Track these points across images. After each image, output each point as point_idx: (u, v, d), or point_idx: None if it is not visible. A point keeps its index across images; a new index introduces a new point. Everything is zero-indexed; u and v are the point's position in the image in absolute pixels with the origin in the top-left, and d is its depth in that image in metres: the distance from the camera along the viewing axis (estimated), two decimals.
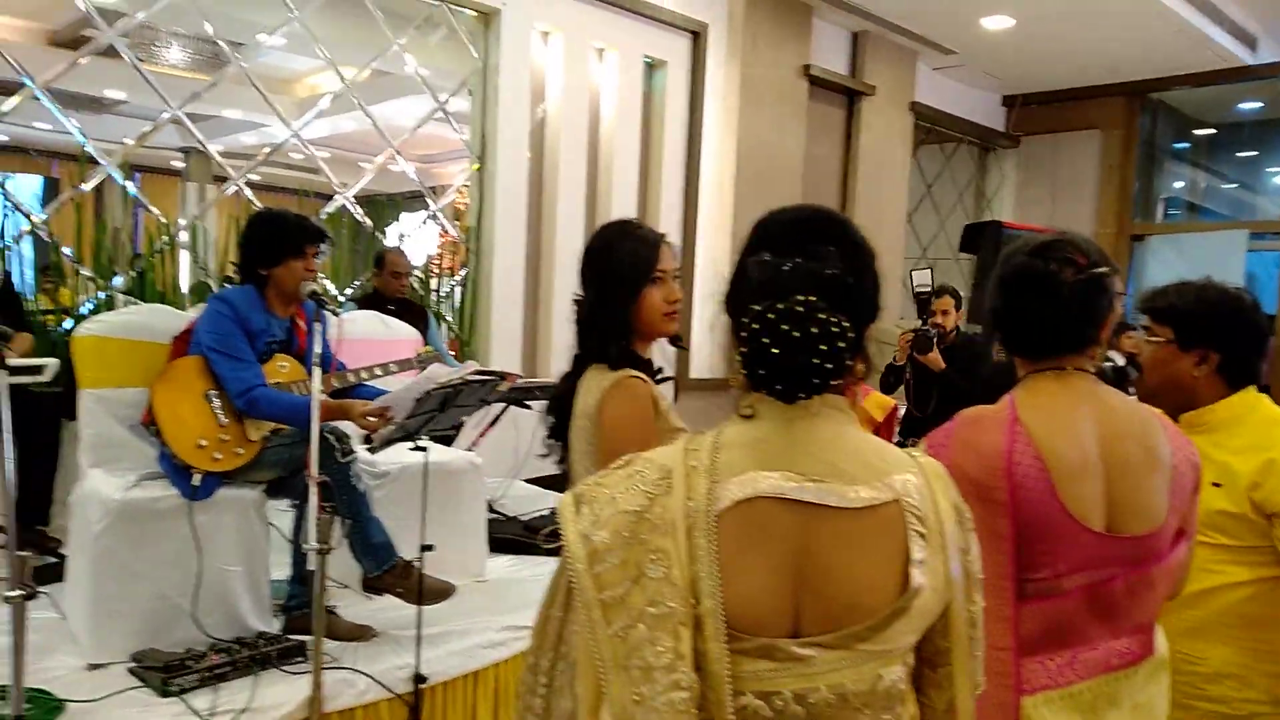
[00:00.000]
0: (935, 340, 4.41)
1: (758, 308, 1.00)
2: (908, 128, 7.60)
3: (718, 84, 6.12)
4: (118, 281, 4.19)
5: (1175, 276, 2.00)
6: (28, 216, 4.05)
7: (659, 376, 1.85)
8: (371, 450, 2.87)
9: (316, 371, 2.43)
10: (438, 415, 2.77)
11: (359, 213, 5.19)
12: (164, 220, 4.34)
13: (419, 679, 2.61)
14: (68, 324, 4.02)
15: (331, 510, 2.29)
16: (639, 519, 0.99)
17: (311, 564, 2.23)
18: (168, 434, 2.75)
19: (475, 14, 5.15)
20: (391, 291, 4.62)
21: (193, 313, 3.03)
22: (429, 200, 5.46)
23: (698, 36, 5.97)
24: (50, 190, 10.82)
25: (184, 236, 4.50)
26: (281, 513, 3.06)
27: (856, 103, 7.09)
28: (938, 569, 1.02)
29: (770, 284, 1.03)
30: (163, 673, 2.42)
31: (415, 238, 5.63)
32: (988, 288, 1.55)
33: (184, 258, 4.55)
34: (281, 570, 3.00)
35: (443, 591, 2.81)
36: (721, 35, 6.09)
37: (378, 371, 3.10)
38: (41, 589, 2.28)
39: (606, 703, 0.97)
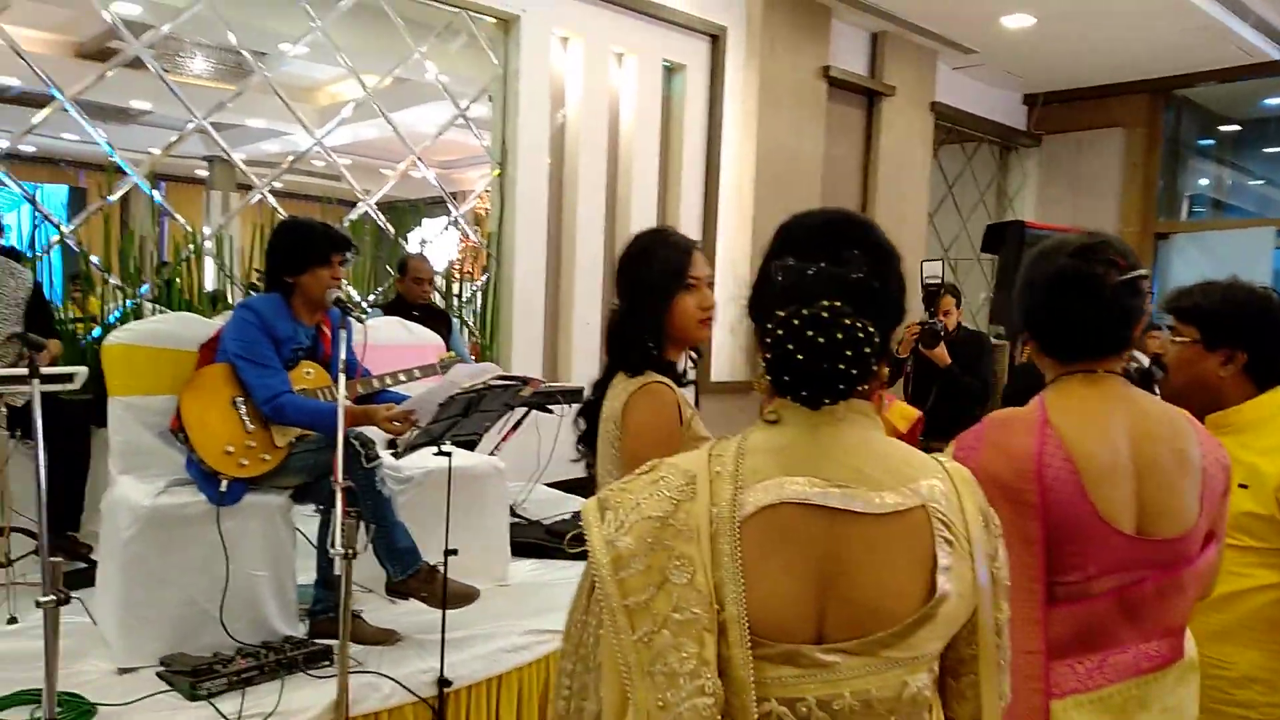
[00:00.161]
0: (942, 335, 4.36)
1: (782, 313, 0.99)
2: (928, 128, 7.56)
3: (737, 87, 6.11)
4: (145, 290, 4.24)
5: (1200, 275, 1.98)
6: (57, 227, 4.11)
7: (683, 380, 1.85)
8: (396, 455, 2.89)
9: (342, 378, 2.45)
10: (461, 420, 2.79)
11: (381, 219, 5.23)
12: (190, 229, 4.38)
13: (443, 683, 2.63)
14: (96, 332, 4.07)
15: (356, 515, 2.31)
16: (663, 525, 0.99)
17: (337, 569, 2.25)
18: (195, 441, 2.78)
19: (495, 21, 5.17)
20: (414, 297, 4.65)
21: (219, 320, 3.06)
22: (450, 206, 5.49)
23: (716, 40, 5.97)
24: (76, 200, 10.96)
25: (209, 245, 4.54)
26: (307, 518, 3.09)
27: (876, 103, 7.06)
28: (964, 575, 1.01)
29: (795, 288, 1.02)
30: (191, 677, 2.45)
31: (436, 243, 5.66)
32: (1018, 288, 1.53)
33: (209, 265, 4.59)
34: (307, 575, 3.03)
35: (466, 596, 2.83)
36: (740, 38, 6.08)
37: (401, 377, 3.11)
38: (73, 594, 2.31)
39: (631, 708, 0.96)
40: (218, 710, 2.37)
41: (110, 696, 2.41)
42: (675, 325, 1.82)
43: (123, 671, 2.59)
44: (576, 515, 3.50)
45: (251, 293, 4.39)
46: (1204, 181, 9.44)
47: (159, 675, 2.55)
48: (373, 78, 5.11)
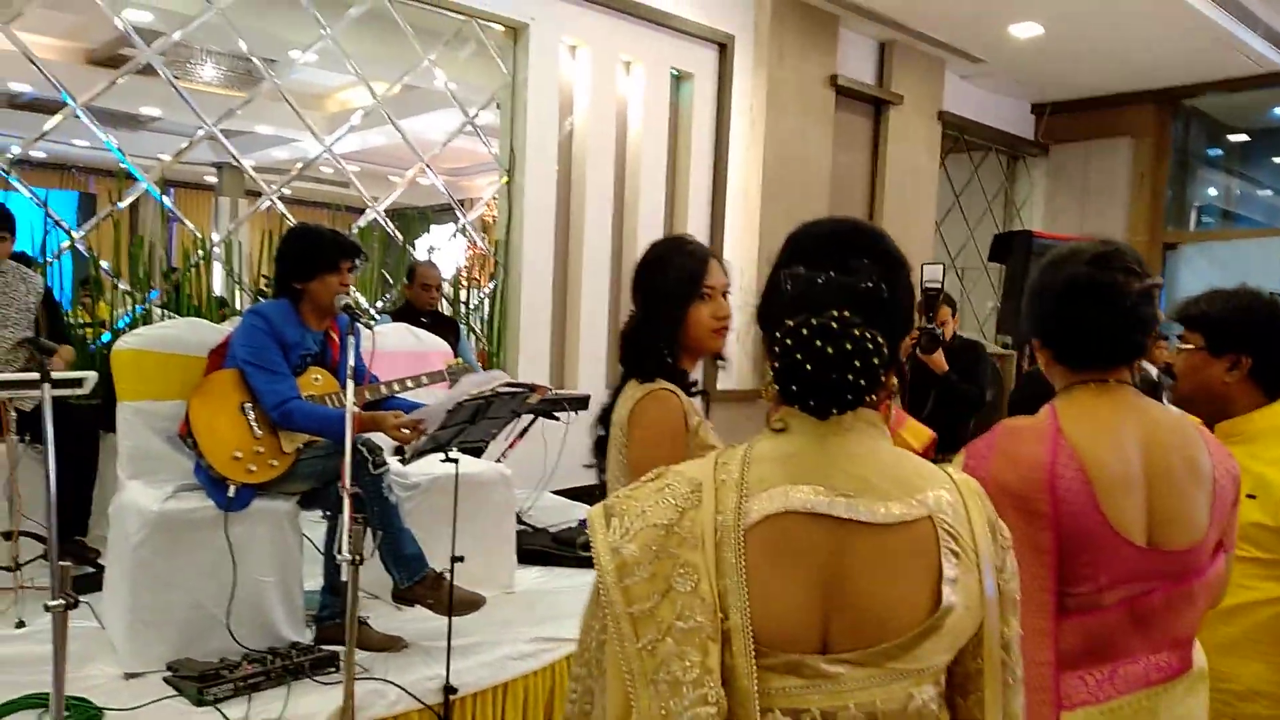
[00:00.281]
0: (941, 341, 4.32)
1: (791, 323, 0.99)
2: (936, 136, 7.57)
3: (744, 95, 6.13)
4: (154, 295, 4.26)
5: (1208, 285, 1.98)
6: (68, 232, 4.13)
7: (694, 389, 1.85)
8: (404, 462, 2.89)
9: (350, 384, 2.46)
10: (468, 427, 2.79)
11: (390, 226, 5.25)
12: (198, 234, 4.41)
13: (449, 690, 2.62)
14: (105, 337, 4.09)
15: (363, 521, 2.32)
16: (668, 532, 0.98)
17: (344, 575, 2.25)
18: (204, 446, 2.79)
19: (504, 29, 5.19)
20: (423, 304, 4.67)
21: (228, 326, 3.07)
22: (458, 213, 5.50)
23: (724, 48, 5.98)
24: (85, 205, 11.03)
25: (218, 250, 4.56)
26: (314, 524, 3.09)
27: (884, 112, 7.07)
28: (971, 587, 1.00)
29: (804, 297, 1.02)
30: (198, 682, 2.45)
31: (444, 250, 5.68)
32: (1029, 296, 1.53)
33: (217, 271, 4.61)
34: (313, 581, 3.03)
35: (472, 603, 2.83)
36: (748, 46, 6.10)
37: (409, 384, 3.12)
38: (81, 598, 2.32)
39: (635, 716, 0.96)
40: (224, 716, 2.37)
41: (117, 701, 2.41)
42: (690, 334, 1.82)
43: (129, 676, 2.60)
44: (583, 523, 3.49)
45: (260, 299, 4.41)
46: (1212, 191, 9.42)
47: (166, 680, 2.55)
48: (382, 85, 5.13)
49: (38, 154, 9.55)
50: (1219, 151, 9.26)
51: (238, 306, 4.64)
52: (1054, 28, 6.67)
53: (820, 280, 1.03)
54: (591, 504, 1.06)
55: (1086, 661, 1.39)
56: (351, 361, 2.51)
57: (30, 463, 3.18)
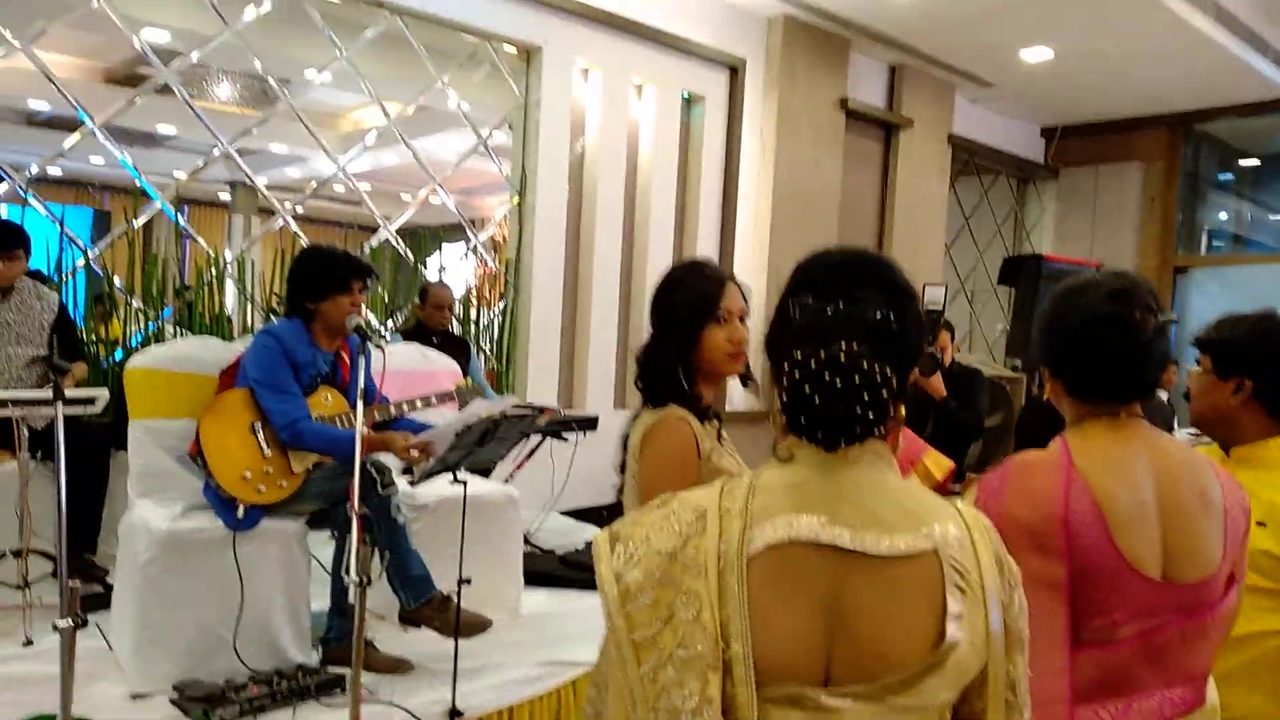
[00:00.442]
0: (940, 365, 4.30)
1: (800, 354, 0.99)
2: (946, 160, 7.58)
3: (755, 118, 6.16)
4: (167, 313, 4.29)
5: (1219, 309, 1.97)
6: (83, 250, 4.17)
7: (709, 414, 1.84)
8: (412, 483, 2.89)
9: (360, 405, 2.47)
10: (477, 449, 2.80)
11: (401, 245, 5.28)
12: (212, 252, 4.43)
13: (455, 713, 2.61)
14: (118, 355, 4.12)
15: (371, 542, 2.31)
16: (672, 559, 0.98)
17: (351, 596, 2.25)
18: (213, 466, 2.80)
19: (517, 51, 5.24)
20: (435, 324, 4.68)
21: (240, 345, 3.09)
22: (469, 233, 5.53)
23: (736, 71, 6.02)
24: (100, 222, 11.12)
25: (230, 268, 4.59)
26: (321, 544, 3.09)
27: (894, 135, 7.09)
28: (977, 624, 0.99)
29: (812, 328, 1.02)
30: (204, 703, 2.45)
31: (455, 270, 5.70)
32: (1042, 327, 1.52)
33: (230, 289, 4.64)
34: (320, 601, 3.03)
35: (479, 625, 2.82)
36: (759, 69, 6.13)
37: (419, 404, 3.13)
38: (89, 617, 2.32)
39: None
40: None
41: None
42: (704, 358, 1.81)
43: (136, 697, 2.60)
44: (590, 545, 3.48)
45: (272, 317, 4.43)
46: (1223, 216, 9.40)
47: (172, 701, 2.55)
48: (395, 105, 5.18)
49: (54, 171, 9.64)
50: (1230, 176, 9.24)
51: (248, 325, 4.67)
52: (1065, 52, 6.69)
53: (829, 311, 1.02)
54: (600, 525, 1.06)
55: (1101, 695, 1.38)
56: (361, 382, 2.52)
57: (41, 480, 3.20)
